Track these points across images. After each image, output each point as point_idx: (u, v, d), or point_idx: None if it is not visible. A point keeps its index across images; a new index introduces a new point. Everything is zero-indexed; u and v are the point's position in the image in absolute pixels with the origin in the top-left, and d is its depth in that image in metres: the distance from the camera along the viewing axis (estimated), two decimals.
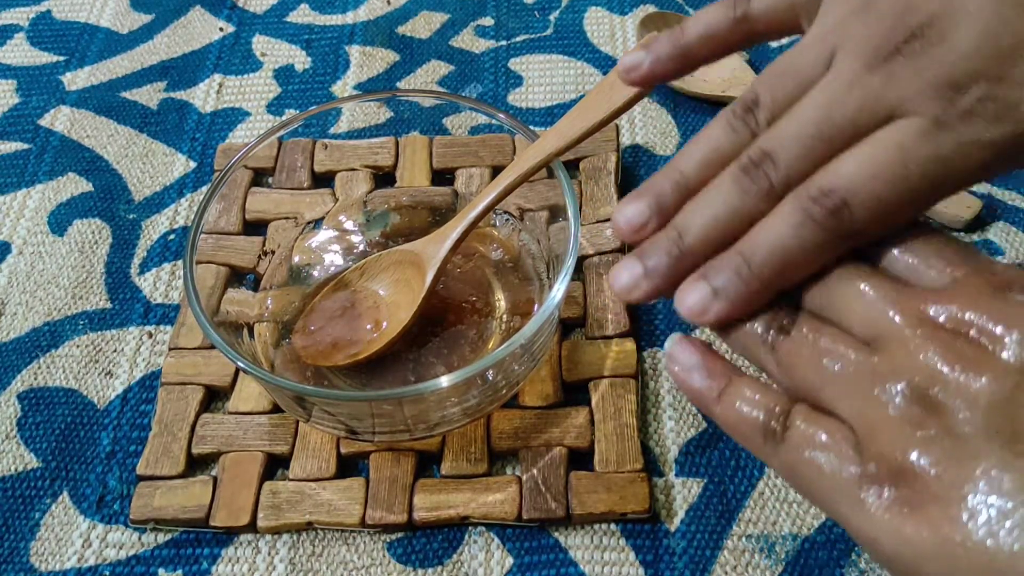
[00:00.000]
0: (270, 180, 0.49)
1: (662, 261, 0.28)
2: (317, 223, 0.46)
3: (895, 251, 0.27)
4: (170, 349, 0.43)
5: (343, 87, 0.55)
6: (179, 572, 0.38)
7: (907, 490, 0.23)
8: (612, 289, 0.29)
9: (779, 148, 0.27)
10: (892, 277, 0.26)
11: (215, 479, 0.39)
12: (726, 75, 0.52)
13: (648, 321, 0.44)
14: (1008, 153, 0.26)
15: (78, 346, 0.44)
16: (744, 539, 0.37)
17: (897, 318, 0.25)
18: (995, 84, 0.26)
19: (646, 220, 0.29)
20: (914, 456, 0.23)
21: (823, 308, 0.27)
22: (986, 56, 0.26)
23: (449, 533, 0.38)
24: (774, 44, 0.55)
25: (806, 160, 0.27)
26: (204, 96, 0.55)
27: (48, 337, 0.45)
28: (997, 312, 0.24)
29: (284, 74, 0.56)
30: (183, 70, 0.56)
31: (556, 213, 0.42)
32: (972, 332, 0.24)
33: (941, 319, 0.24)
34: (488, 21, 0.58)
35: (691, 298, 0.27)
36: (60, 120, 0.54)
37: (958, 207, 0.45)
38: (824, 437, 0.25)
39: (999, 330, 0.24)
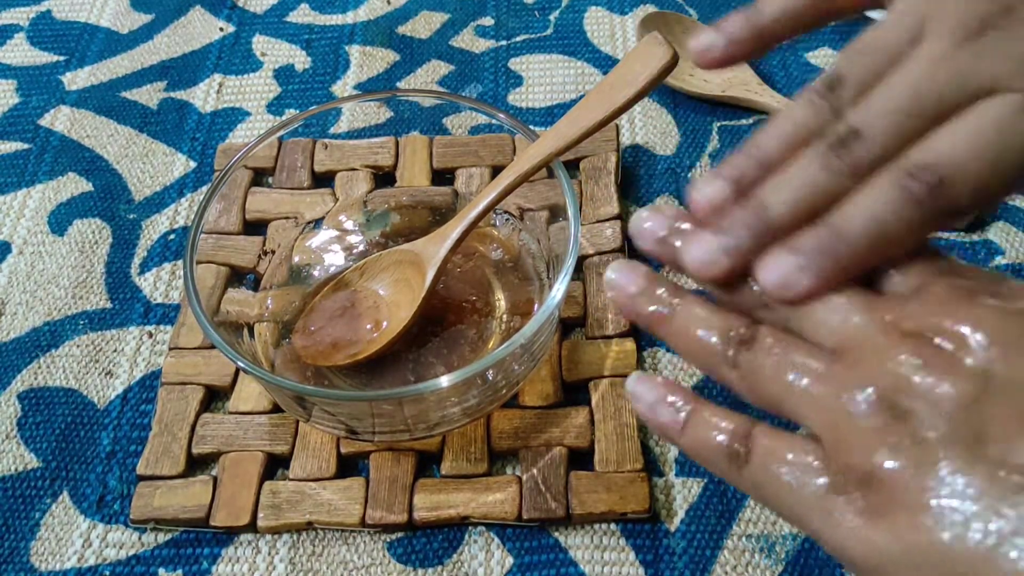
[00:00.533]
0: (270, 180, 0.49)
1: (743, 236, 0.26)
2: (317, 223, 0.46)
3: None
4: (170, 349, 0.43)
5: (343, 87, 0.55)
6: (179, 572, 0.38)
7: (874, 498, 0.23)
8: (686, 265, 0.27)
9: (868, 124, 0.26)
10: (857, 284, 0.26)
11: (215, 479, 0.39)
12: (727, 75, 0.52)
13: None
14: None
15: (78, 346, 0.44)
16: (744, 539, 0.37)
17: (862, 326, 0.25)
18: None
19: (726, 197, 0.27)
20: (880, 464, 0.23)
21: (786, 319, 0.26)
22: None
23: (449, 533, 0.38)
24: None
25: (896, 137, 0.26)
26: (204, 96, 0.55)
27: (48, 337, 0.45)
28: (962, 317, 0.24)
29: (284, 74, 0.56)
30: (183, 70, 0.56)
31: (556, 213, 0.42)
32: (937, 338, 0.24)
33: (906, 326, 0.24)
34: (488, 21, 0.58)
35: (776, 271, 0.25)
36: (60, 120, 0.54)
37: None
38: (788, 454, 0.25)
39: (964, 335, 0.24)
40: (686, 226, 0.28)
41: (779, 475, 0.25)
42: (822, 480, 0.24)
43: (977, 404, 0.23)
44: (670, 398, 0.27)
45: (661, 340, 0.30)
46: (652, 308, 0.28)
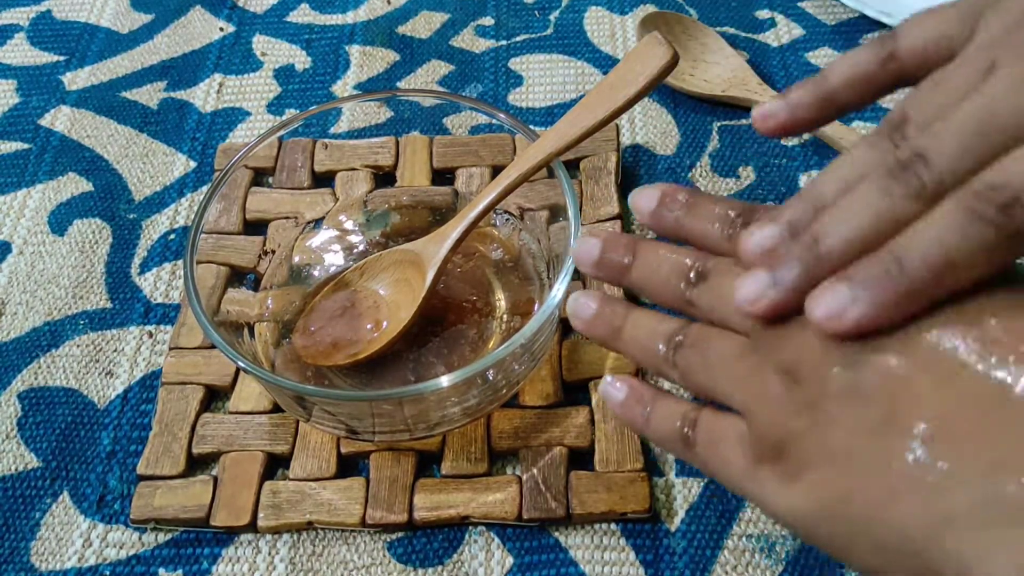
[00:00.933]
0: (270, 180, 0.49)
1: (793, 269, 0.26)
2: (317, 223, 0.46)
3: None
4: (170, 349, 0.43)
5: (343, 87, 0.55)
6: (179, 572, 0.38)
7: (786, 463, 0.25)
8: (737, 302, 0.27)
9: (933, 147, 0.25)
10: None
11: (215, 479, 0.39)
12: (727, 75, 0.52)
13: None
14: None
15: (78, 346, 0.44)
16: (744, 539, 0.37)
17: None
18: None
19: (779, 243, 0.26)
20: (785, 429, 0.25)
21: (711, 311, 0.29)
22: None
23: (449, 533, 0.38)
24: (774, 44, 0.55)
25: (964, 159, 0.25)
26: (204, 96, 0.55)
27: (48, 337, 0.45)
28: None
29: (284, 74, 0.56)
30: (183, 70, 0.56)
31: (556, 213, 0.42)
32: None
33: None
34: (488, 21, 0.58)
35: (825, 302, 0.25)
36: (60, 120, 0.54)
37: None
38: (720, 431, 0.28)
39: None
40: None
41: (717, 451, 0.28)
42: (748, 452, 0.27)
43: (856, 363, 0.24)
44: (636, 394, 0.31)
45: (618, 352, 0.33)
46: (606, 327, 0.31)
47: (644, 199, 0.31)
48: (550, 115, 0.53)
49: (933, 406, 0.23)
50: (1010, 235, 0.23)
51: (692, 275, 0.29)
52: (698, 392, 0.29)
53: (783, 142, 0.50)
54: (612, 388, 0.31)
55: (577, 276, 0.44)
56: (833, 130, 0.49)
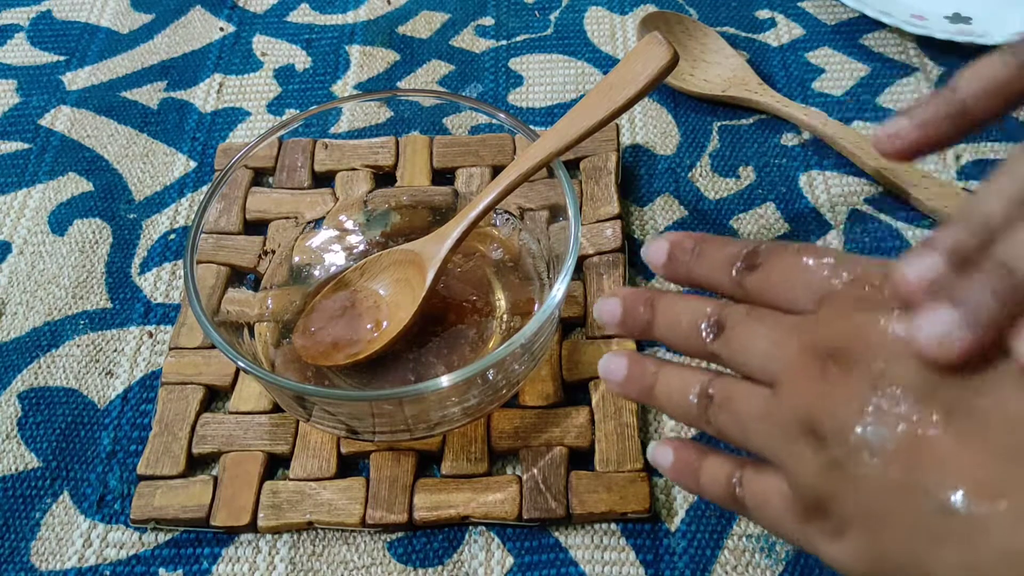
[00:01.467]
0: (270, 180, 0.49)
1: (989, 304, 0.22)
2: (317, 223, 0.46)
3: (770, 281, 0.28)
4: (170, 349, 0.43)
5: (343, 87, 0.55)
6: (180, 572, 0.38)
7: (829, 520, 0.25)
8: (919, 346, 0.23)
9: None
10: (775, 311, 0.28)
11: (215, 479, 0.39)
12: (727, 75, 0.52)
13: None
14: None
15: (78, 346, 0.44)
16: (744, 539, 0.37)
17: (779, 357, 0.27)
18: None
19: (941, 273, 0.23)
20: (820, 490, 0.25)
21: (733, 362, 0.29)
22: None
23: (449, 533, 0.38)
24: (774, 44, 0.55)
25: None
26: (204, 96, 0.55)
27: (48, 337, 0.45)
28: (855, 332, 0.25)
29: (284, 74, 0.56)
30: (183, 70, 0.56)
31: (556, 213, 0.42)
32: (838, 354, 0.25)
33: (815, 347, 0.26)
34: (488, 21, 0.58)
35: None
36: (60, 120, 0.54)
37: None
38: (764, 491, 0.28)
39: (859, 350, 0.25)
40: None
41: (766, 511, 0.28)
42: (794, 512, 0.27)
43: (873, 416, 0.24)
44: (682, 456, 0.31)
45: (657, 409, 0.33)
46: (638, 387, 0.31)
47: (655, 253, 0.31)
48: (550, 115, 0.53)
49: (956, 460, 0.23)
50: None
51: (710, 327, 0.29)
52: (735, 446, 0.29)
53: (783, 142, 0.50)
54: (661, 455, 0.32)
55: (577, 276, 0.44)
56: (833, 130, 0.49)
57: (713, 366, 0.30)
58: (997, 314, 0.22)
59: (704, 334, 0.29)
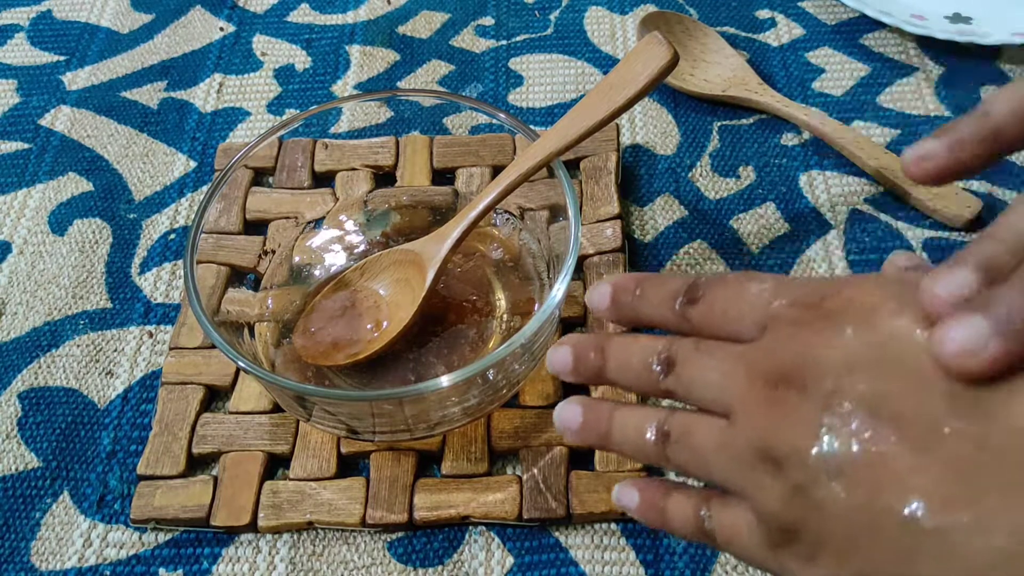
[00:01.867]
0: (270, 180, 0.49)
1: (1019, 312, 0.22)
2: (318, 223, 0.46)
3: (712, 312, 0.28)
4: (171, 349, 0.43)
5: (343, 87, 0.55)
6: (180, 572, 0.38)
7: (800, 545, 0.25)
8: (942, 353, 0.22)
9: None
10: (722, 342, 0.28)
11: (216, 479, 0.39)
12: (727, 75, 0.52)
13: None
14: None
15: (78, 346, 0.44)
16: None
17: (730, 387, 0.27)
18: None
19: (974, 289, 0.23)
20: (785, 517, 0.25)
21: (688, 396, 0.28)
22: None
23: (450, 533, 0.38)
24: (775, 44, 0.55)
25: None
26: (204, 96, 0.55)
27: (49, 337, 0.45)
28: (799, 355, 0.25)
29: (284, 74, 0.56)
30: (183, 70, 0.56)
31: (557, 212, 0.42)
32: (786, 378, 0.25)
33: (763, 374, 0.26)
34: (488, 21, 0.58)
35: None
36: (60, 120, 0.54)
37: (959, 207, 0.45)
38: (732, 523, 0.27)
39: (806, 373, 0.25)
40: None
41: (736, 543, 0.27)
42: (763, 539, 0.26)
43: (828, 436, 0.24)
44: (647, 495, 0.31)
45: (615, 453, 0.33)
46: (594, 436, 0.31)
47: (597, 298, 0.31)
48: (550, 115, 0.53)
49: (915, 475, 0.22)
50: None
51: (660, 364, 0.29)
52: (699, 479, 0.29)
53: (783, 142, 0.50)
54: (625, 495, 0.31)
55: (577, 276, 0.44)
56: (832, 129, 0.49)
57: (667, 403, 0.30)
58: None
59: (656, 372, 0.29)
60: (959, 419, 0.22)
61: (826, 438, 0.24)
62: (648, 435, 0.29)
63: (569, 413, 0.31)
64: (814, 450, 0.24)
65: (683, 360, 0.28)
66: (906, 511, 0.22)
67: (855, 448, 0.23)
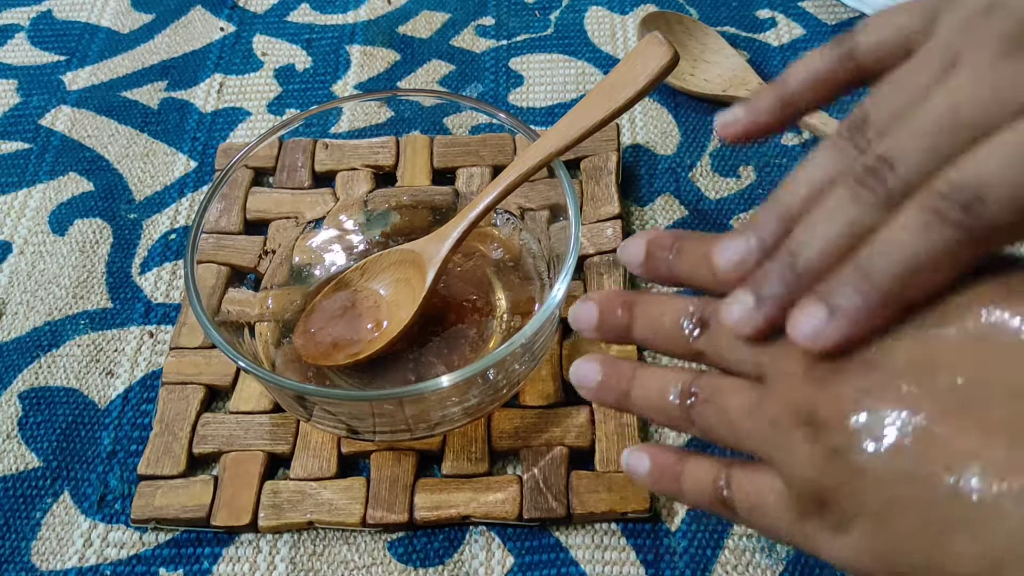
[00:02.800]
0: (271, 180, 0.49)
1: (776, 289, 0.26)
2: (318, 223, 0.46)
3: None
4: (171, 349, 0.43)
5: (344, 87, 0.55)
6: (180, 572, 0.38)
7: (831, 514, 0.24)
8: (725, 323, 0.27)
9: (898, 151, 0.25)
10: None
11: (216, 479, 0.39)
12: (727, 74, 0.52)
13: None
14: None
15: (79, 346, 0.44)
16: (745, 538, 0.37)
17: (769, 349, 0.27)
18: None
19: (749, 256, 0.27)
20: (820, 483, 0.24)
21: (720, 358, 0.28)
22: None
23: (450, 532, 0.38)
24: (775, 44, 0.55)
25: (929, 160, 0.24)
26: (205, 96, 0.55)
27: (49, 337, 0.45)
28: None
29: (285, 74, 0.56)
30: (184, 70, 0.56)
31: (557, 212, 0.42)
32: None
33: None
34: (489, 21, 0.58)
35: (804, 324, 0.25)
36: (61, 120, 0.54)
37: None
38: (757, 490, 0.27)
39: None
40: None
41: (760, 513, 0.27)
42: (791, 510, 0.26)
43: (871, 402, 0.24)
44: (662, 462, 0.30)
45: (635, 414, 0.32)
46: (615, 391, 0.30)
47: (633, 252, 0.31)
48: (550, 115, 0.53)
49: (964, 441, 0.22)
50: (974, 234, 0.23)
51: (693, 324, 0.29)
52: (722, 446, 0.28)
53: (783, 141, 0.50)
54: (635, 460, 0.30)
55: (578, 276, 0.44)
56: (833, 129, 0.48)
57: (693, 366, 0.30)
58: (784, 298, 0.26)
59: (687, 332, 0.29)
60: (1011, 390, 0.22)
61: (870, 402, 0.23)
62: (671, 395, 0.29)
63: (587, 369, 0.31)
64: (857, 414, 0.24)
65: (718, 319, 0.28)
66: (952, 479, 0.22)
67: (901, 414, 0.23)
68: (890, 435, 0.23)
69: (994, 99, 0.24)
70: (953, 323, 0.24)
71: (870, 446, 0.23)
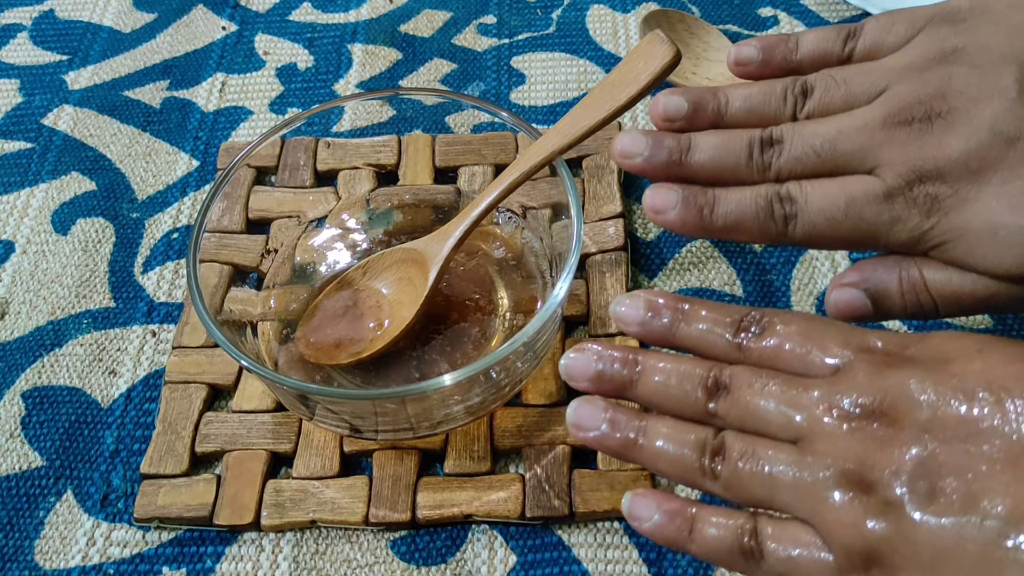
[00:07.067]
0: (273, 179, 0.49)
1: (662, 154, 0.33)
2: (320, 222, 0.46)
3: (786, 347, 0.28)
4: (173, 348, 0.43)
5: (345, 85, 0.55)
6: (183, 570, 0.38)
7: (879, 568, 0.25)
8: (611, 150, 0.35)
9: (791, 143, 0.33)
10: (789, 375, 0.28)
11: (219, 477, 0.39)
12: (729, 73, 0.52)
13: None
14: (916, 248, 0.32)
15: (82, 345, 0.44)
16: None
17: (805, 415, 0.27)
18: (946, 185, 0.31)
19: (680, 116, 0.34)
20: (868, 540, 0.25)
21: (742, 421, 0.28)
22: (961, 165, 0.30)
23: (452, 531, 0.38)
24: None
25: (800, 164, 0.32)
26: (207, 95, 0.55)
27: (52, 336, 0.45)
28: (878, 388, 0.26)
29: (286, 73, 0.56)
30: (186, 69, 0.56)
31: (559, 211, 0.42)
32: (876, 407, 0.26)
33: (849, 404, 0.26)
34: (490, 19, 0.58)
35: (657, 199, 0.33)
36: (63, 119, 0.54)
37: None
38: (796, 550, 0.26)
39: (888, 403, 0.26)
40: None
41: (794, 566, 0.26)
42: (832, 563, 0.26)
43: (920, 465, 0.25)
44: (668, 509, 0.28)
45: (639, 464, 0.31)
46: (620, 439, 0.29)
47: (629, 311, 0.30)
48: (552, 113, 0.52)
49: (1014, 491, 0.23)
50: (780, 233, 0.32)
51: (710, 385, 0.28)
52: (748, 503, 0.28)
53: None
54: (639, 506, 0.29)
55: (580, 275, 0.44)
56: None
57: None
58: (663, 165, 0.34)
59: (703, 391, 0.28)
60: None
61: (923, 459, 0.25)
62: (688, 449, 0.28)
63: (587, 414, 0.29)
64: (911, 471, 0.24)
65: (740, 385, 0.28)
66: (1002, 532, 0.23)
67: (954, 470, 0.24)
68: (943, 491, 0.24)
69: (861, 151, 0.32)
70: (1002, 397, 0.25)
71: (924, 502, 0.24)
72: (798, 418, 0.27)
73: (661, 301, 0.30)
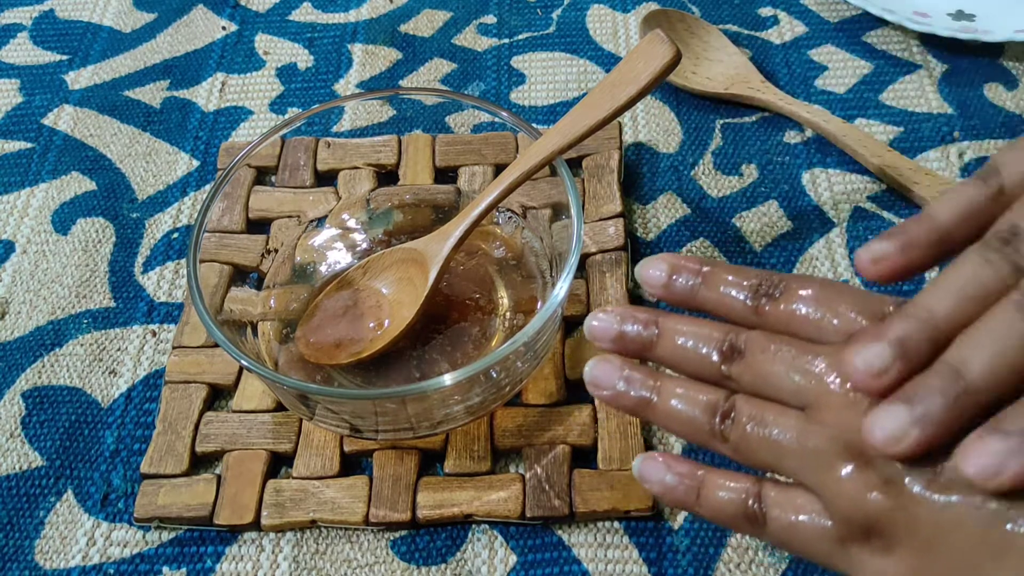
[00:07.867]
0: (273, 179, 0.49)
1: (937, 404, 0.24)
2: (320, 221, 0.46)
3: (802, 312, 0.28)
4: (174, 348, 0.43)
5: (346, 85, 0.55)
6: (183, 570, 0.38)
7: (876, 539, 0.25)
8: (870, 440, 0.25)
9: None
10: (803, 341, 0.28)
11: (219, 477, 0.39)
12: (729, 72, 0.52)
13: None
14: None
15: (82, 345, 0.44)
16: (747, 536, 0.37)
17: (815, 383, 0.27)
18: None
19: (888, 367, 0.25)
20: (868, 511, 0.25)
21: (754, 386, 0.28)
22: None
23: (453, 531, 0.38)
24: (777, 42, 0.55)
25: None
26: (207, 95, 0.55)
27: (52, 336, 0.45)
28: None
29: (287, 73, 0.56)
30: (186, 69, 0.56)
31: (559, 211, 0.42)
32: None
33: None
34: (490, 19, 0.58)
35: (984, 457, 0.23)
36: (63, 119, 0.54)
37: None
38: (793, 509, 0.27)
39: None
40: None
41: (795, 531, 0.27)
42: (833, 531, 0.26)
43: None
44: (678, 471, 0.29)
45: (651, 423, 0.32)
46: (635, 397, 0.30)
47: (653, 272, 0.30)
48: (552, 113, 0.52)
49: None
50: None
51: (725, 349, 0.29)
52: (755, 467, 0.28)
53: (785, 140, 0.50)
54: (649, 469, 0.30)
55: (580, 275, 0.44)
56: (835, 127, 0.48)
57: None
58: (947, 415, 0.24)
59: (719, 354, 0.29)
60: None
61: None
62: (701, 410, 0.28)
63: (604, 372, 0.30)
64: None
65: (754, 350, 0.28)
66: (1002, 507, 0.23)
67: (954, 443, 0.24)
68: (945, 469, 0.24)
69: None
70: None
71: (923, 476, 0.24)
72: (807, 385, 0.27)
73: (684, 263, 0.30)
